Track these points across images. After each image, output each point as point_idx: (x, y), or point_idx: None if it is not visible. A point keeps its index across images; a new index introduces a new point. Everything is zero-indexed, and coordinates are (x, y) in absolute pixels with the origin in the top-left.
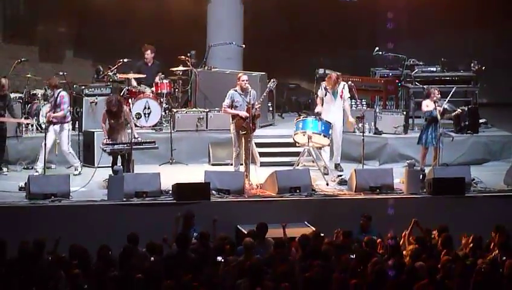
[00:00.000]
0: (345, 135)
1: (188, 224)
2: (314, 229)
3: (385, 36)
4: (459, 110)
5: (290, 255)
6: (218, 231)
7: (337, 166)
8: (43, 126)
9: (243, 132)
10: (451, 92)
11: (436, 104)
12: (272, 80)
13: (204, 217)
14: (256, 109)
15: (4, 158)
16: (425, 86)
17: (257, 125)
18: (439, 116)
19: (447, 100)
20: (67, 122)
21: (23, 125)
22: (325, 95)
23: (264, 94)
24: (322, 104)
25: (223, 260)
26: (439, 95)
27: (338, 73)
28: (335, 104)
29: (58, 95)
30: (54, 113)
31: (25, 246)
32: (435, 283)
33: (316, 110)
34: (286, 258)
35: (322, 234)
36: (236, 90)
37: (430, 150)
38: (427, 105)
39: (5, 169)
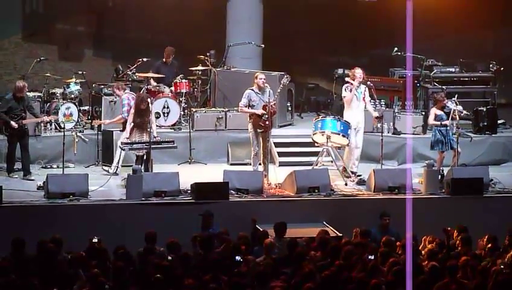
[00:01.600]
0: (364, 135)
1: (206, 224)
2: (331, 228)
3: (404, 36)
4: (465, 112)
5: (309, 255)
6: (236, 230)
7: (354, 173)
8: (62, 125)
9: (260, 130)
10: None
11: (453, 110)
12: (285, 76)
13: (223, 216)
14: (271, 106)
15: (17, 156)
16: (443, 87)
17: (274, 123)
18: (458, 118)
19: (452, 111)
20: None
21: (43, 124)
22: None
23: (278, 90)
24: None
25: (241, 260)
26: (445, 100)
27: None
28: (358, 107)
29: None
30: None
31: (43, 245)
32: (455, 282)
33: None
34: (304, 258)
35: (341, 234)
36: (253, 90)
37: (449, 152)
38: (436, 114)
39: (33, 176)
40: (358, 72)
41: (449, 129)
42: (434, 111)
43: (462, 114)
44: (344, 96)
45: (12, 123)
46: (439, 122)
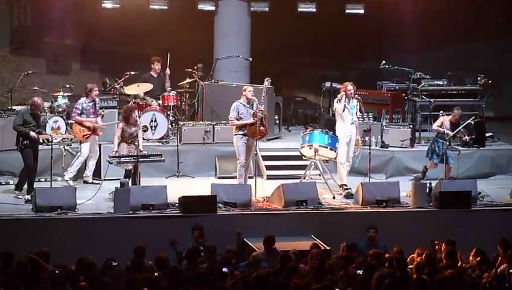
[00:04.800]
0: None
1: (196, 237)
2: (319, 242)
3: (392, 49)
4: (466, 137)
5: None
6: (224, 244)
7: (342, 186)
8: (50, 139)
9: (258, 137)
10: (463, 125)
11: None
12: (265, 80)
13: (210, 230)
14: (261, 111)
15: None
16: (431, 100)
17: (268, 127)
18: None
19: (459, 128)
20: None
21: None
22: (343, 110)
23: (263, 95)
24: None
25: (228, 272)
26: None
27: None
28: (352, 121)
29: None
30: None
31: (26, 259)
32: None
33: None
34: (296, 272)
35: (329, 248)
36: (240, 102)
37: (441, 166)
38: (442, 122)
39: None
40: (350, 88)
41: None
42: (445, 119)
43: (464, 137)
44: (335, 108)
45: (32, 133)
46: (439, 129)
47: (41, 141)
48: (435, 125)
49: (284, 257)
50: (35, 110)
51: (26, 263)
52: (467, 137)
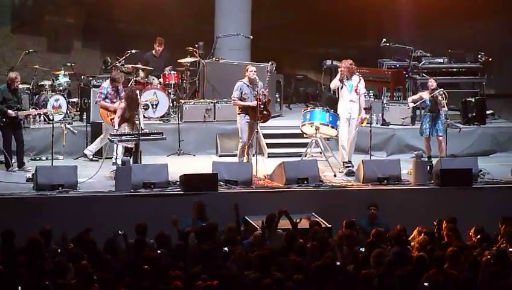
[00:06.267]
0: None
1: (199, 215)
2: (320, 219)
3: (393, 27)
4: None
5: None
6: (225, 221)
7: (344, 163)
8: (51, 117)
9: (260, 121)
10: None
11: (435, 96)
12: (270, 63)
13: (212, 208)
14: (265, 95)
15: (12, 149)
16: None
17: (271, 111)
18: (442, 106)
19: (435, 92)
20: None
21: (31, 116)
22: (341, 88)
23: (267, 79)
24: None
25: (228, 250)
26: (434, 86)
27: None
28: (350, 98)
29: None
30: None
31: (31, 237)
32: (443, 273)
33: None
34: (298, 250)
35: (330, 225)
36: (244, 82)
37: (434, 140)
38: (420, 96)
39: (28, 166)
40: (344, 64)
41: (437, 117)
42: (423, 94)
43: (435, 94)
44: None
45: (10, 111)
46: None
47: (21, 117)
48: (410, 98)
49: (290, 235)
50: (12, 86)
51: (38, 240)
52: (440, 100)
